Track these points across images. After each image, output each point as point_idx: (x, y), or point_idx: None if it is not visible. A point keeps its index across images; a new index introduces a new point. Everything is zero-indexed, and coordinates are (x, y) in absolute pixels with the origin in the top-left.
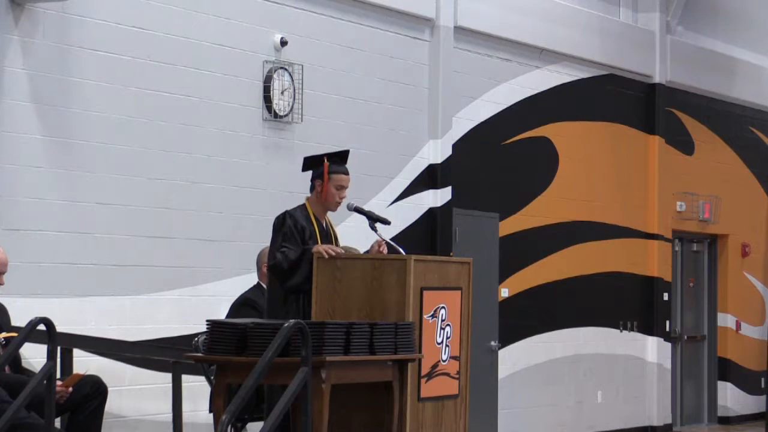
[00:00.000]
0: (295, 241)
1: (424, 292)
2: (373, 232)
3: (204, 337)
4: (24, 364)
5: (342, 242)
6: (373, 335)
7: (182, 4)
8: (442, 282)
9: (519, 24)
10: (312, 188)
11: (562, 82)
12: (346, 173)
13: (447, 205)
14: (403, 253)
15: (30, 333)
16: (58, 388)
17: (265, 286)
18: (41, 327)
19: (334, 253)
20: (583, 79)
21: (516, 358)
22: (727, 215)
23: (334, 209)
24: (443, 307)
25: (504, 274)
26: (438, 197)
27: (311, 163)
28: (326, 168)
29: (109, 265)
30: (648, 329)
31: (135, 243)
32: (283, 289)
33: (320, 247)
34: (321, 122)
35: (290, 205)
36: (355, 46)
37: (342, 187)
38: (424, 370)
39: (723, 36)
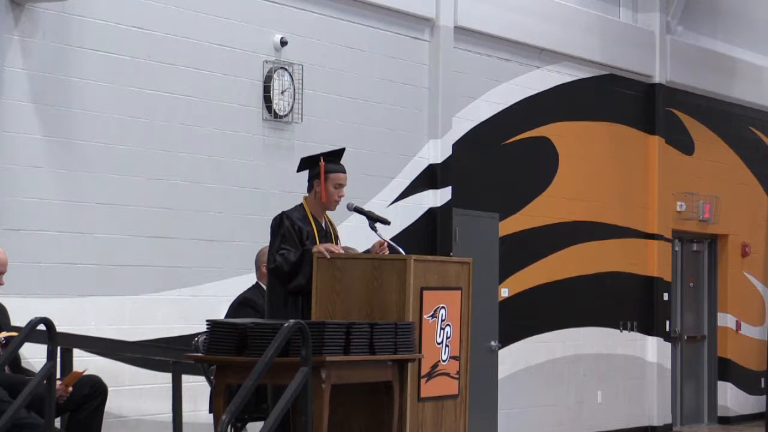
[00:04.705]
0: (294, 243)
1: (424, 292)
2: (373, 232)
3: (204, 337)
4: (24, 364)
5: (342, 242)
6: (373, 335)
7: (182, 4)
8: (442, 282)
9: (519, 24)
10: (310, 188)
11: (562, 82)
12: (344, 171)
13: (447, 205)
14: (403, 253)
15: (30, 333)
16: (57, 388)
17: (264, 286)
18: (41, 327)
19: (335, 252)
20: (583, 79)
21: (516, 358)
22: (727, 215)
23: (333, 208)
24: (443, 307)
25: (504, 274)
26: (438, 197)
27: (307, 163)
28: (323, 168)
29: (109, 265)
30: (648, 329)
31: (135, 243)
32: (287, 291)
33: (320, 247)
34: (321, 122)
35: (290, 205)
36: (355, 46)
37: (340, 186)
38: (424, 370)
39: (723, 36)
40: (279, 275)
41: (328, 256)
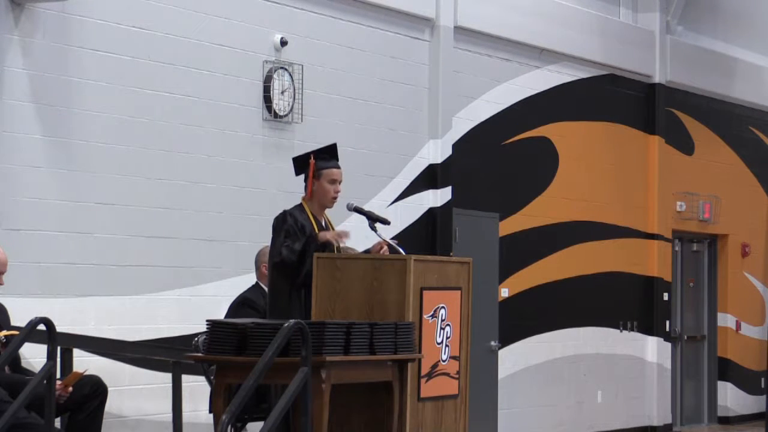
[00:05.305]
0: (297, 238)
1: (424, 292)
2: (373, 232)
3: (204, 337)
4: (24, 364)
5: (342, 242)
6: (373, 335)
7: (182, 4)
8: (442, 282)
9: (519, 24)
10: (306, 188)
11: (562, 82)
12: (337, 167)
13: (447, 205)
14: (403, 253)
15: (30, 333)
16: (57, 388)
17: (263, 286)
18: (41, 327)
19: (345, 234)
20: (583, 79)
21: (516, 358)
22: (727, 215)
23: (330, 205)
24: (443, 307)
25: (504, 274)
26: (438, 197)
27: (301, 163)
28: (312, 166)
29: (109, 265)
30: (648, 329)
31: (135, 243)
32: (294, 284)
33: (327, 235)
34: (321, 122)
35: (290, 205)
36: (355, 46)
37: (335, 181)
38: (424, 370)
39: (723, 36)
40: (286, 266)
41: (336, 243)
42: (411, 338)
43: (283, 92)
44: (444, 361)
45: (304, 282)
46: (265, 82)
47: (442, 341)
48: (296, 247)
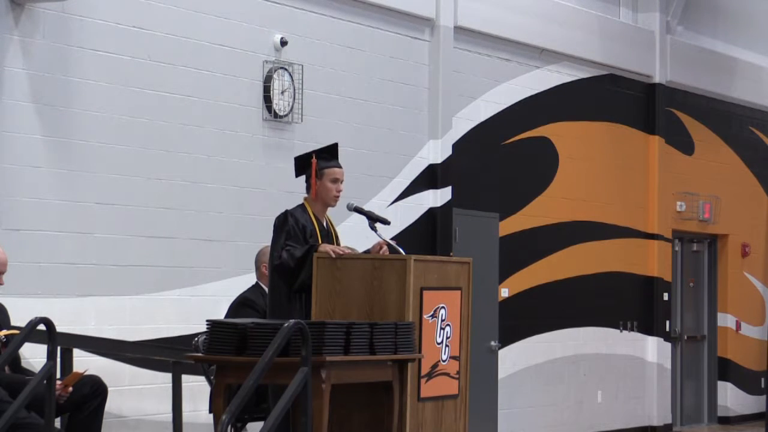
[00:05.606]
0: (298, 240)
1: (424, 292)
2: (373, 232)
3: (204, 337)
4: (24, 364)
5: (342, 242)
6: (373, 335)
7: (182, 4)
8: (442, 282)
9: (519, 24)
10: (308, 188)
11: (562, 82)
12: (339, 166)
13: (447, 205)
14: (403, 253)
15: (30, 333)
16: (57, 388)
17: (264, 286)
18: (41, 327)
19: (341, 252)
20: (583, 79)
21: (516, 358)
22: (727, 215)
23: (333, 204)
24: (443, 307)
25: (504, 274)
26: (438, 197)
27: (302, 163)
28: (314, 165)
29: (109, 265)
30: (648, 329)
31: (135, 243)
32: (291, 289)
33: (327, 247)
34: (321, 122)
35: (290, 205)
36: (355, 46)
37: (337, 180)
38: (424, 370)
39: (723, 36)
40: (283, 271)
41: (333, 256)
42: (411, 338)
43: (283, 92)
44: (444, 361)
45: (303, 286)
46: (265, 82)
47: (442, 341)
48: (297, 254)
